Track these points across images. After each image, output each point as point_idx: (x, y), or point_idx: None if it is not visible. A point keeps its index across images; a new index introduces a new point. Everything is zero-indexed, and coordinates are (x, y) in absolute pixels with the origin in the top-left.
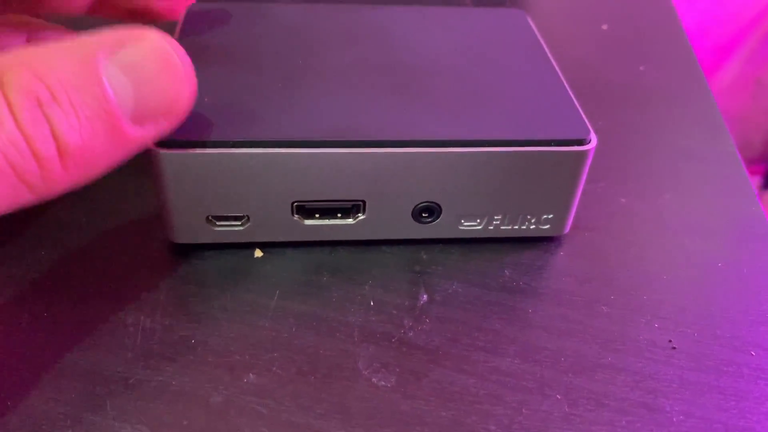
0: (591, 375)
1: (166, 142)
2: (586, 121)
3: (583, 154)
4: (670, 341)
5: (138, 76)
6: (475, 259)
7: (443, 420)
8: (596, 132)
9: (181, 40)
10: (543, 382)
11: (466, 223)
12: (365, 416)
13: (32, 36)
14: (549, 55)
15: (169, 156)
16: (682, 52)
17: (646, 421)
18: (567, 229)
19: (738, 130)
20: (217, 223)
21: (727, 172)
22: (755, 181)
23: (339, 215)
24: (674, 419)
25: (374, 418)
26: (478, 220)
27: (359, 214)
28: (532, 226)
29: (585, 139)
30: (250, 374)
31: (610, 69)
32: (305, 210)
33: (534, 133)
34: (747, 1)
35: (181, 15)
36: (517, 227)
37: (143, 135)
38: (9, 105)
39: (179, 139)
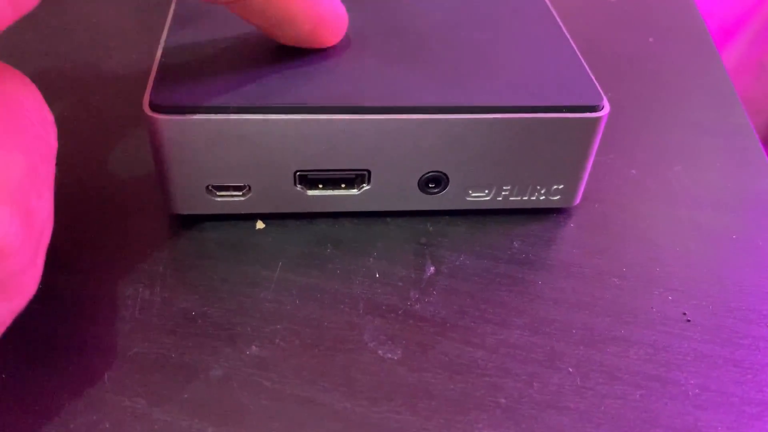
0: (603, 348)
1: (164, 108)
2: (599, 87)
3: (595, 121)
4: (684, 314)
5: None
6: (482, 230)
7: (451, 393)
8: None
9: (180, 3)
10: (554, 355)
11: (473, 194)
12: (371, 389)
13: None
14: (559, 21)
15: (167, 122)
16: (692, 24)
17: (660, 394)
18: (577, 201)
19: None
20: (218, 193)
21: (739, 143)
22: None
23: (343, 186)
24: (689, 392)
25: (380, 390)
26: (486, 191)
27: (364, 185)
28: (542, 197)
29: (598, 106)
30: (253, 346)
31: (618, 41)
32: (308, 180)
33: (545, 99)
34: None
35: None
36: (526, 198)
37: None
38: None
39: (178, 104)
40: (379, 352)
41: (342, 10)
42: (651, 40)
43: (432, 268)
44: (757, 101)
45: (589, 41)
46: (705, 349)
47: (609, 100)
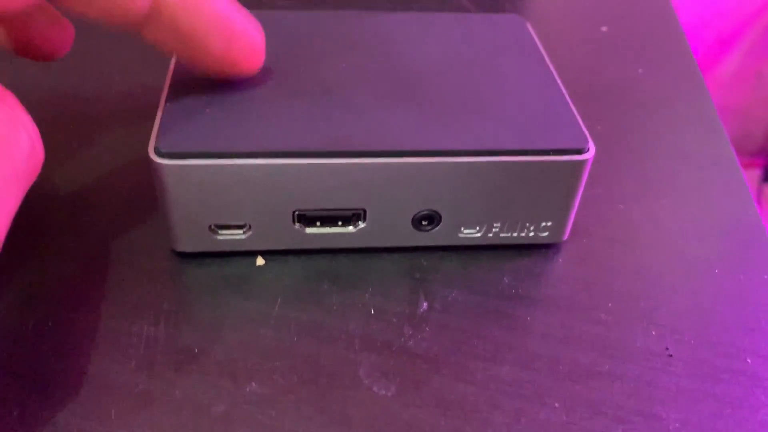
0: (588, 382)
1: (167, 153)
2: (585, 130)
3: (581, 164)
4: (667, 348)
5: None
6: (474, 266)
7: (442, 428)
8: (595, 136)
9: None
10: (541, 390)
11: (465, 231)
12: (366, 425)
13: None
14: (548, 61)
15: (170, 167)
16: (681, 54)
17: (642, 429)
18: (566, 237)
19: (738, 122)
20: (220, 231)
21: (725, 176)
22: (755, 174)
23: (340, 223)
24: (670, 427)
25: (374, 426)
26: (478, 228)
27: (360, 222)
28: (531, 234)
29: (583, 149)
30: (252, 383)
31: (609, 72)
32: (306, 218)
33: (532, 142)
34: None
35: None
36: (516, 234)
37: None
38: None
39: (182, 150)
40: (374, 388)
41: (258, 32)
42: (640, 71)
43: (425, 304)
44: (755, 110)
45: (579, 71)
46: (687, 384)
47: (597, 133)
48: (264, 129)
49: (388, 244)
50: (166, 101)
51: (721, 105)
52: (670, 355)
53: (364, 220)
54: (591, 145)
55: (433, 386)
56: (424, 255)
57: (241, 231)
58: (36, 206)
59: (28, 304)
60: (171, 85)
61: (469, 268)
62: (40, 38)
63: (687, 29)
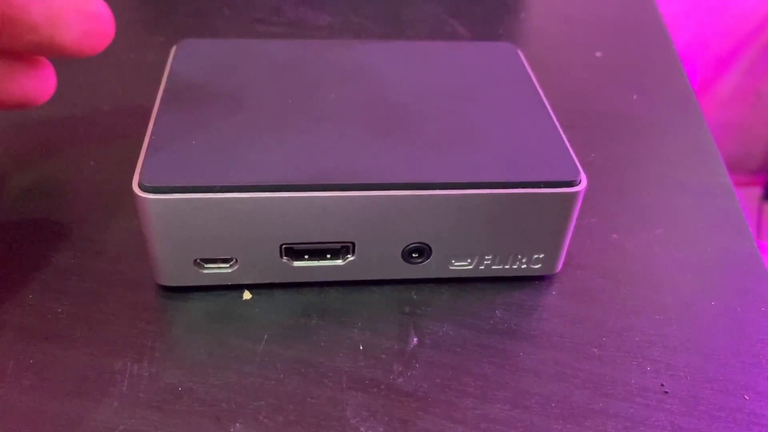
0: (581, 422)
1: (151, 188)
2: (576, 161)
3: (572, 196)
4: (662, 385)
5: None
6: (465, 299)
7: None
8: (588, 165)
9: (170, 77)
10: (533, 430)
11: (456, 263)
12: None
13: None
14: (539, 91)
15: (155, 201)
16: (676, 79)
17: None
18: (558, 268)
19: (738, 141)
20: (205, 265)
21: (722, 205)
22: (756, 192)
23: (328, 256)
24: None
25: None
26: (469, 260)
27: (348, 255)
28: (524, 266)
29: (575, 181)
30: (237, 424)
31: (603, 98)
32: (294, 252)
33: (523, 175)
34: (746, 13)
35: (171, 52)
36: (508, 267)
37: None
38: None
39: (167, 185)
40: (361, 429)
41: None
42: (635, 96)
43: (415, 339)
44: (755, 129)
45: (573, 97)
46: (682, 422)
47: (591, 161)
48: (250, 162)
49: (378, 277)
50: (152, 134)
51: (721, 123)
52: (666, 392)
53: (353, 253)
54: (582, 177)
55: (423, 426)
56: (415, 288)
57: (227, 265)
58: (18, 240)
59: (10, 343)
60: (157, 117)
61: (460, 301)
62: (17, 90)
63: (686, 48)
